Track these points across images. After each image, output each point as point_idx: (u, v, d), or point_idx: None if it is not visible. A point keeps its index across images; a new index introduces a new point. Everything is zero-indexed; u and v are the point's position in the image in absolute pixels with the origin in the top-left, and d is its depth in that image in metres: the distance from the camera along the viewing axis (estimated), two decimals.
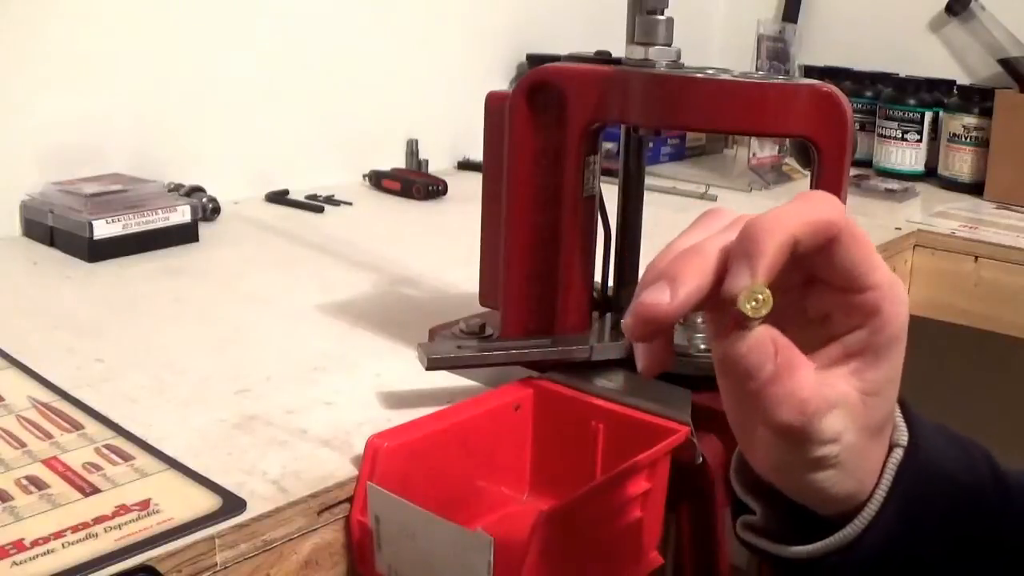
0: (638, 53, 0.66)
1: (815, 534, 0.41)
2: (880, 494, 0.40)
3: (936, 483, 0.41)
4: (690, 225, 0.39)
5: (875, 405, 0.38)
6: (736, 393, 0.41)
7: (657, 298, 0.35)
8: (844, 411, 0.37)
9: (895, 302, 0.37)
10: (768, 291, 0.34)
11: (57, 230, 1.03)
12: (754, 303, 0.34)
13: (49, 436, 0.61)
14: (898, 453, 0.41)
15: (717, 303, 0.37)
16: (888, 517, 0.40)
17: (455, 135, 1.54)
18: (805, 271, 0.38)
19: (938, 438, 0.42)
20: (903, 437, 0.41)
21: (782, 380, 0.35)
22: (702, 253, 0.36)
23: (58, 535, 0.50)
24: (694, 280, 0.35)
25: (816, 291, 0.38)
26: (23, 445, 0.60)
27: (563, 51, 0.73)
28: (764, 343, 0.35)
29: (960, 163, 1.56)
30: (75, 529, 0.50)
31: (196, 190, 1.16)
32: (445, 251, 1.09)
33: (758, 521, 0.44)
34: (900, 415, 0.42)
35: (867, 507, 0.40)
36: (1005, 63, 1.64)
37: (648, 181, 0.76)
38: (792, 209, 0.35)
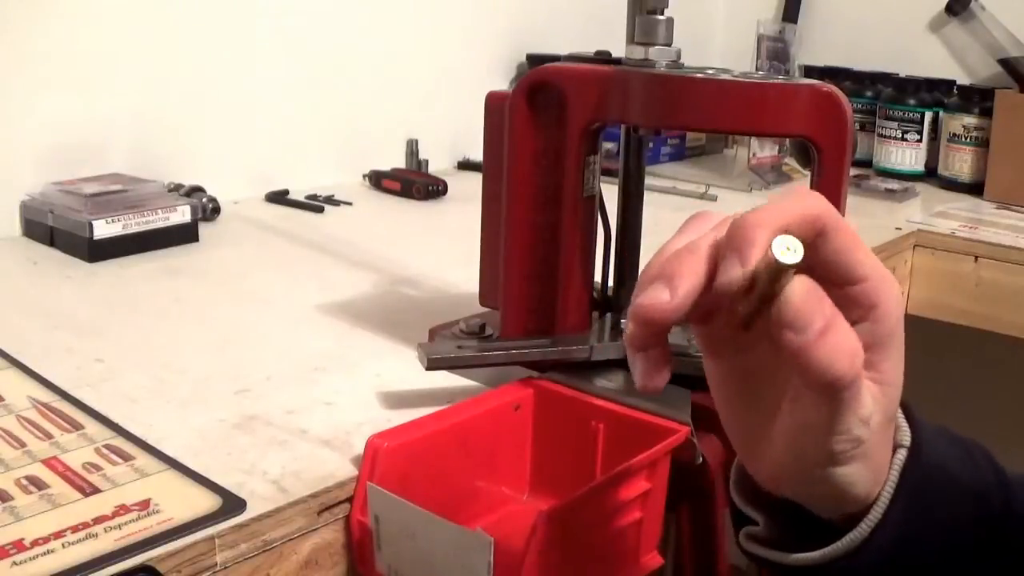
0: (638, 53, 0.66)
1: (818, 541, 0.41)
2: (886, 494, 0.40)
3: (939, 483, 0.41)
4: (679, 229, 0.39)
5: (891, 394, 0.38)
6: (739, 413, 0.41)
7: (657, 297, 0.35)
8: (870, 396, 0.37)
9: (889, 290, 0.37)
10: (794, 237, 0.34)
11: (57, 230, 1.03)
12: (786, 248, 0.33)
13: (49, 436, 0.61)
14: (902, 453, 0.41)
15: (708, 314, 0.37)
16: (895, 518, 0.40)
17: (455, 135, 1.54)
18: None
19: (940, 439, 0.42)
20: (906, 438, 0.41)
21: (834, 330, 0.34)
22: (695, 252, 0.36)
23: (58, 535, 0.50)
24: (691, 278, 0.35)
25: None
26: (23, 445, 0.60)
27: (563, 51, 0.73)
28: (814, 291, 0.34)
29: (960, 163, 1.56)
30: (75, 529, 0.50)
31: (196, 190, 1.16)
32: (445, 251, 1.09)
33: (761, 532, 0.44)
34: (902, 416, 0.41)
35: (874, 508, 0.40)
36: (1005, 63, 1.64)
37: (648, 181, 0.76)
38: (779, 204, 0.35)
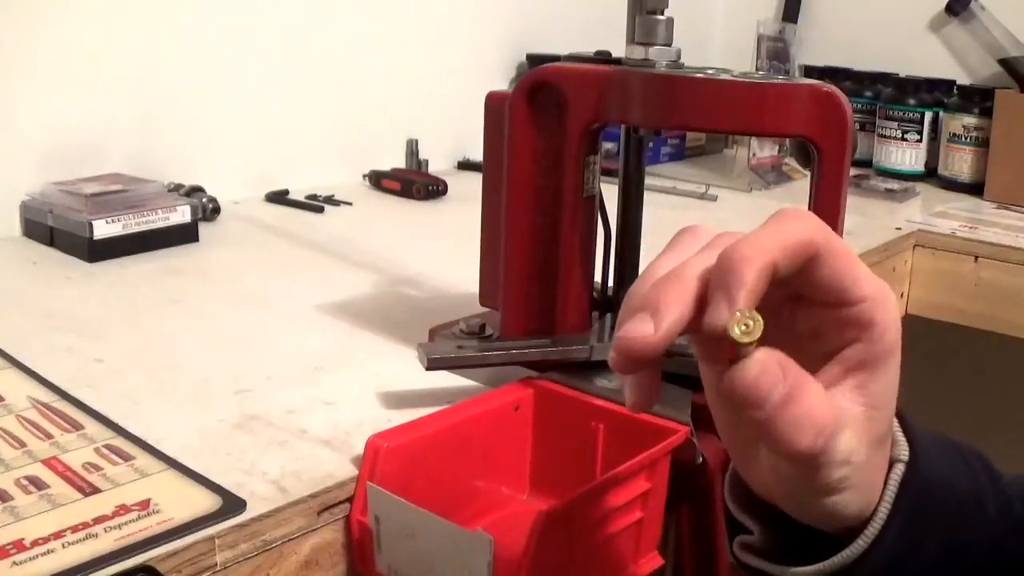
0: (638, 53, 0.66)
1: (815, 550, 0.40)
2: (883, 511, 0.39)
3: (937, 497, 0.40)
4: (667, 246, 0.38)
5: (879, 418, 0.37)
6: (733, 420, 0.40)
7: (641, 330, 0.34)
8: (852, 431, 0.36)
9: (887, 309, 0.36)
10: (756, 313, 0.33)
11: (57, 230, 1.03)
12: (744, 327, 0.32)
13: (49, 436, 0.61)
14: (899, 469, 0.40)
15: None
16: (892, 534, 0.39)
17: (455, 135, 1.54)
18: (789, 290, 0.36)
19: (936, 448, 0.42)
20: (903, 452, 0.40)
21: (795, 403, 0.33)
22: (682, 279, 0.35)
23: (58, 535, 0.50)
24: (676, 309, 0.34)
25: (804, 309, 0.37)
26: (23, 445, 0.60)
27: (563, 51, 0.73)
28: (771, 367, 0.33)
29: (960, 163, 1.56)
30: (75, 529, 0.50)
31: (196, 190, 1.16)
32: (445, 251, 1.09)
33: (756, 541, 0.43)
34: (899, 428, 0.41)
35: (871, 525, 0.39)
36: (1005, 63, 1.64)
37: (648, 181, 0.76)
38: (768, 233, 0.34)
